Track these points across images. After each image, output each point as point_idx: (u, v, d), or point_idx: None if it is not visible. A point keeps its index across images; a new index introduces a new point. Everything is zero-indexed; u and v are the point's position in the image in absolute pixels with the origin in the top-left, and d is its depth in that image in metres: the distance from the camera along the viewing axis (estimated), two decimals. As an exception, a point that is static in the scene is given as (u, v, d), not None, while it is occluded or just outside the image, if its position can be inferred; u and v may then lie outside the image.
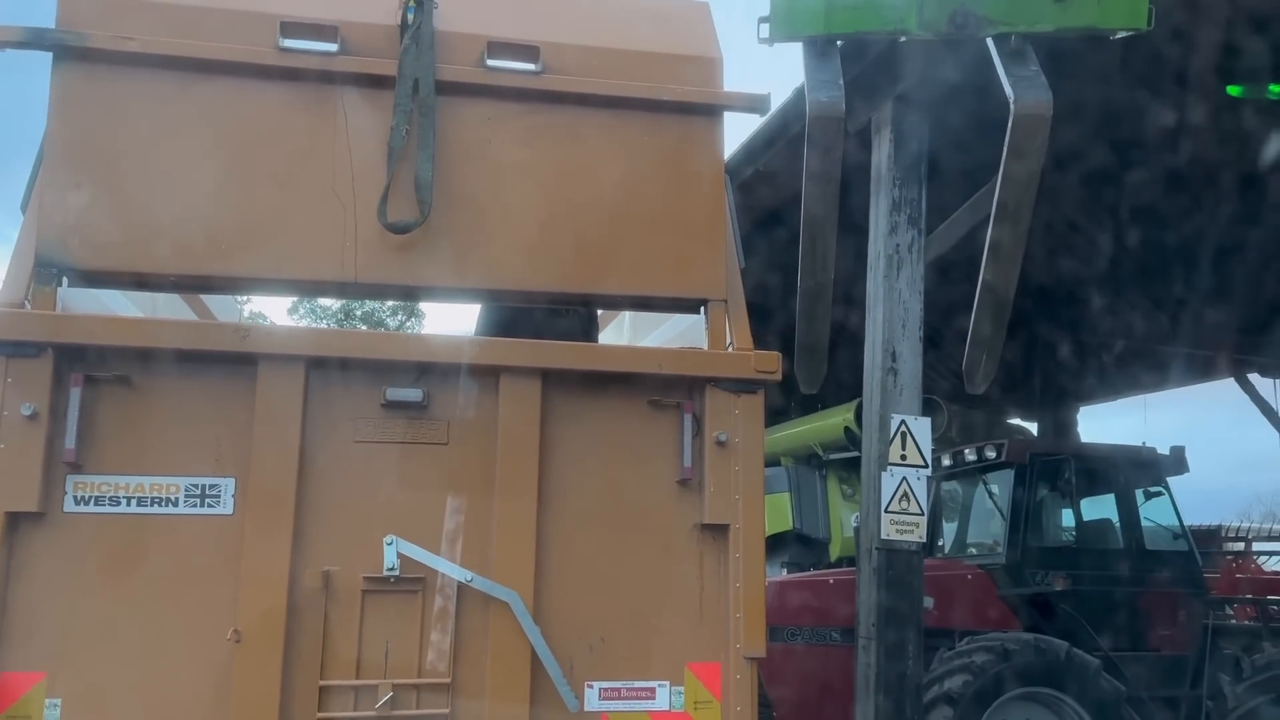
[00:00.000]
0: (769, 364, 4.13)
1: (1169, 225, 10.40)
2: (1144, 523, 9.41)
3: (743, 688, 3.95)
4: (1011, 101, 5.37)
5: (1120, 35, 5.58)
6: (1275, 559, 11.72)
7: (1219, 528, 12.62)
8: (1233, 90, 7.62)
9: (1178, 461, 9.67)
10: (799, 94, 7.76)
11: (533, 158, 4.15)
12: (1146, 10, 5.38)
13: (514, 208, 4.10)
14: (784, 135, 8.42)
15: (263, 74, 3.95)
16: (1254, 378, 14.41)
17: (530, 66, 4.17)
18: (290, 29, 3.96)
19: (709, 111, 4.38)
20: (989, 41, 5.66)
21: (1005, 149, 5.43)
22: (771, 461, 11.87)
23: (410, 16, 3.98)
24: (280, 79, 3.97)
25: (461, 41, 4.12)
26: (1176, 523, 9.54)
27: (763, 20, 5.64)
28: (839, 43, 5.91)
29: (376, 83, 4.01)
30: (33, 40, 3.78)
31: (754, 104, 4.53)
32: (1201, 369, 14.78)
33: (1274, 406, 14.11)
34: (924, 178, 7.42)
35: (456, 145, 4.07)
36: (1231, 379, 14.60)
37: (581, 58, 4.25)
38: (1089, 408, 16.79)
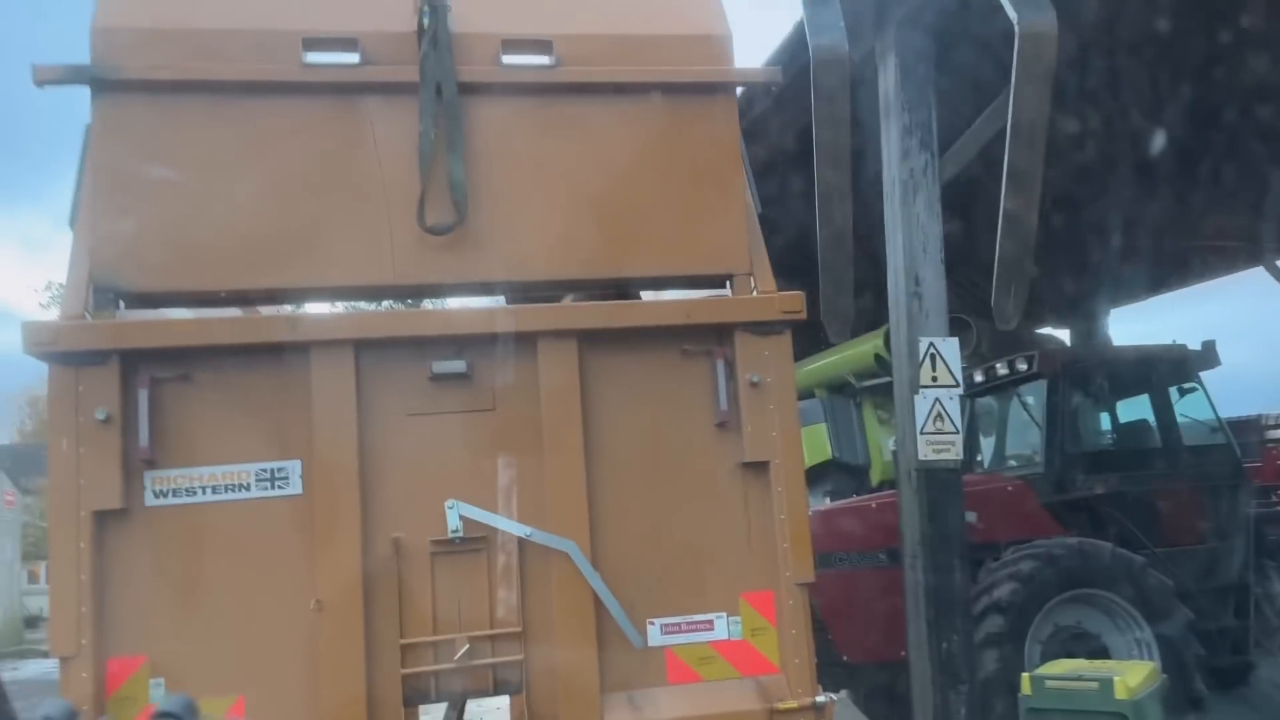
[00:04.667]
0: (793, 304, 4.28)
1: (1187, 116, 10.28)
2: (1180, 419, 9.49)
3: (796, 613, 4.16)
4: (1015, 23, 5.35)
5: None
6: (1316, 443, 11.73)
7: (1259, 417, 12.65)
8: None
9: (1209, 356, 9.72)
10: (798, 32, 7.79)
11: (554, 149, 4.27)
12: None
13: (540, 200, 4.23)
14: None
15: (290, 90, 4.09)
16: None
17: (545, 60, 4.27)
18: (313, 43, 4.09)
19: (722, 89, 4.47)
20: None
21: (1014, 72, 5.43)
22: (805, 394, 12.03)
23: (426, 21, 4.09)
24: (307, 93, 4.11)
25: (477, 41, 4.23)
26: (1213, 416, 9.61)
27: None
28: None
29: (400, 89, 4.12)
30: (71, 77, 3.94)
31: (768, 77, 4.62)
32: (1229, 260, 14.67)
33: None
34: (933, 101, 7.46)
35: (480, 143, 4.19)
36: (1260, 267, 14.49)
37: (594, 47, 4.34)
38: (1120, 310, 16.76)
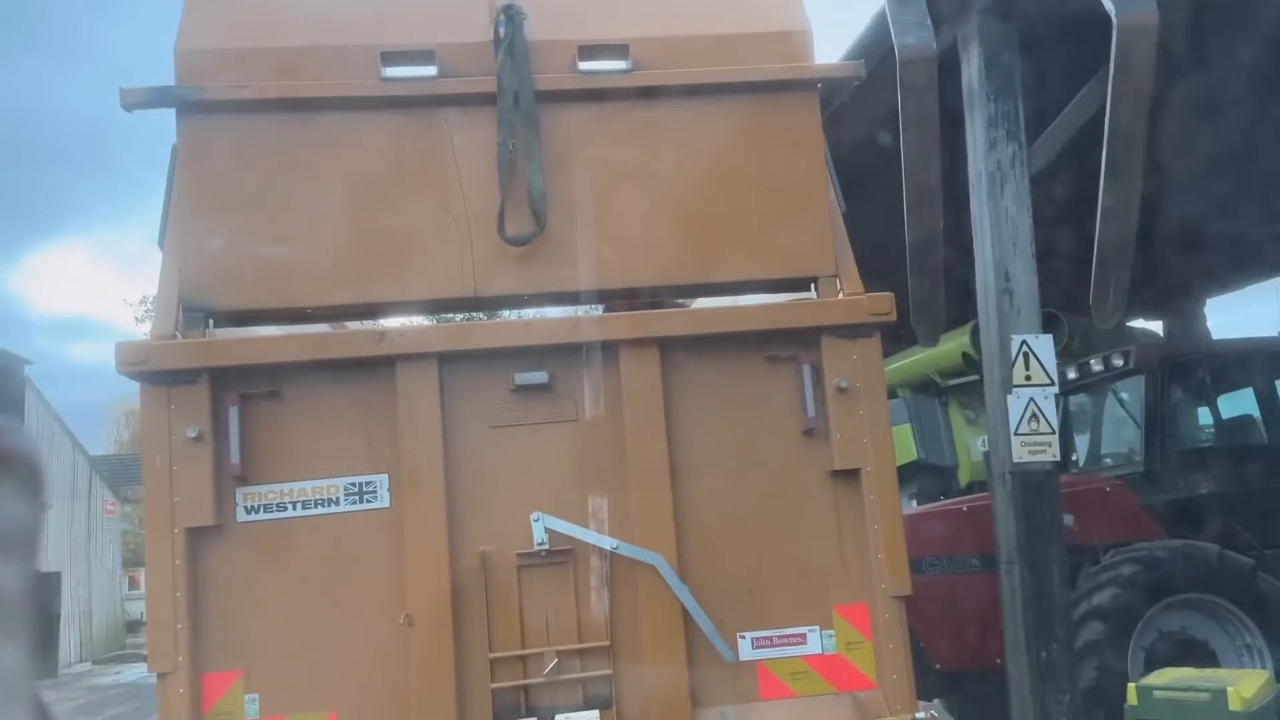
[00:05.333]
0: (882, 306, 4.15)
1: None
2: (1287, 414, 9.06)
3: (892, 626, 4.03)
4: (1113, 15, 5.11)
5: None
6: None
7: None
8: None
9: (1317, 347, 9.27)
10: (875, 26, 7.62)
11: (634, 154, 4.24)
12: None
13: (620, 206, 4.20)
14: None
15: (370, 105, 4.13)
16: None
17: (621, 65, 4.24)
18: (391, 58, 4.12)
19: (803, 87, 4.38)
20: None
21: (1111, 66, 5.19)
22: (889, 393, 11.81)
23: (501, 30, 4.07)
24: (387, 107, 4.14)
25: (552, 49, 4.21)
26: (1323, 409, 9.16)
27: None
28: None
29: (478, 100, 4.13)
30: (157, 100, 4.02)
31: (851, 72, 4.50)
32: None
33: None
34: (1019, 89, 7.21)
35: (559, 151, 4.18)
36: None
37: (671, 49, 4.29)
38: (1216, 299, 16.11)
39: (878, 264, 6.10)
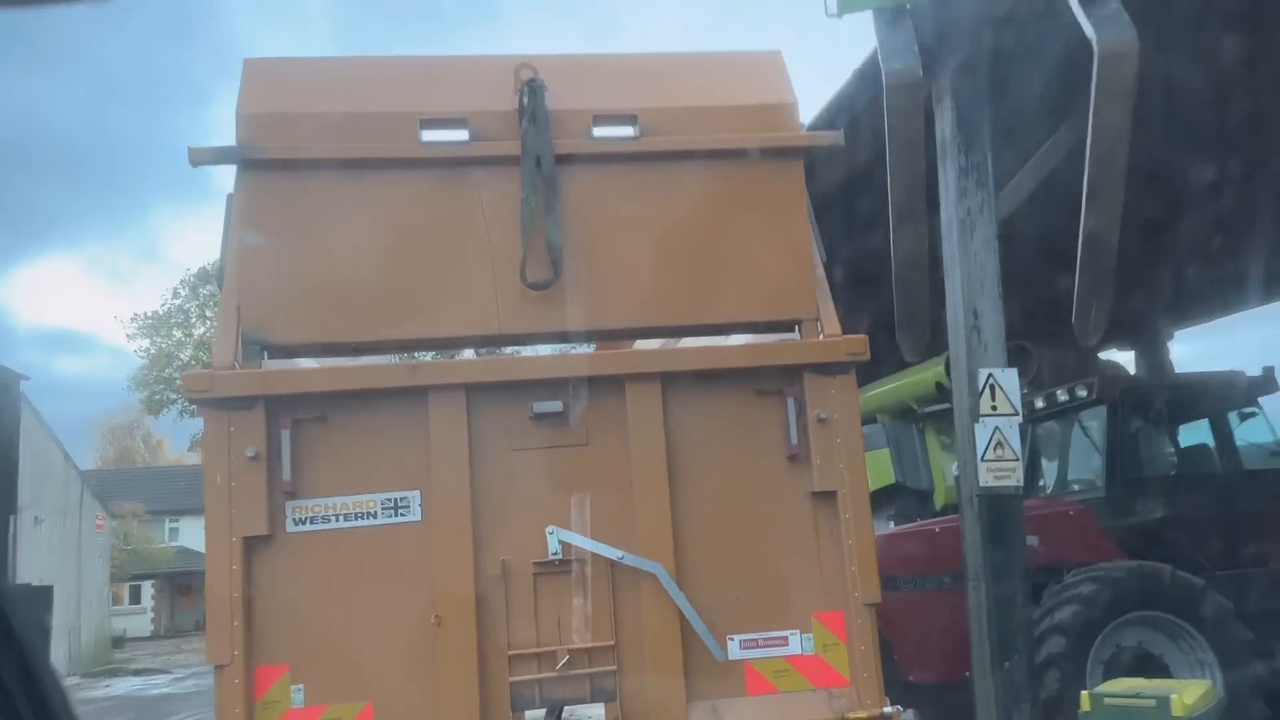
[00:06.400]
0: (858, 346, 4.70)
1: (1249, 141, 10.27)
2: (1240, 444, 9.63)
3: (864, 631, 4.56)
4: (1094, 41, 5.31)
5: None
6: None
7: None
8: None
9: (1268, 381, 9.85)
10: (856, 77, 8.18)
11: (640, 210, 4.80)
12: None
13: (628, 256, 4.75)
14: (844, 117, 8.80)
15: (409, 165, 4.68)
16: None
17: (630, 131, 4.81)
18: (428, 123, 4.67)
19: (790, 153, 4.96)
20: None
21: (1093, 92, 5.34)
22: (868, 419, 12.33)
23: (525, 100, 4.62)
24: (424, 167, 4.70)
25: (571, 117, 4.77)
26: (1273, 440, 9.74)
27: (830, -6, 5.80)
28: (909, 5, 5.99)
29: (504, 161, 4.68)
30: (221, 158, 4.56)
31: (832, 141, 5.07)
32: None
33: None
34: (988, 142, 7.80)
35: (574, 207, 4.73)
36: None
37: (674, 118, 4.87)
38: (1184, 331, 16.71)
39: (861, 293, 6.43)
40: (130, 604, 41.43)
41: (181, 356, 34.17)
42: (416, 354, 5.05)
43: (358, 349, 4.71)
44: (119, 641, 34.77)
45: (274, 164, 4.57)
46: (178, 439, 43.47)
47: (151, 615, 42.67)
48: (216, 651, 4.22)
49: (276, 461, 4.36)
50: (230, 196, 4.72)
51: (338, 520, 4.42)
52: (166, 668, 27.66)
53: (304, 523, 4.40)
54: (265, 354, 4.54)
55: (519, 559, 4.47)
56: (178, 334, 35.07)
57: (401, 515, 4.44)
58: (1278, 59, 8.58)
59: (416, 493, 4.45)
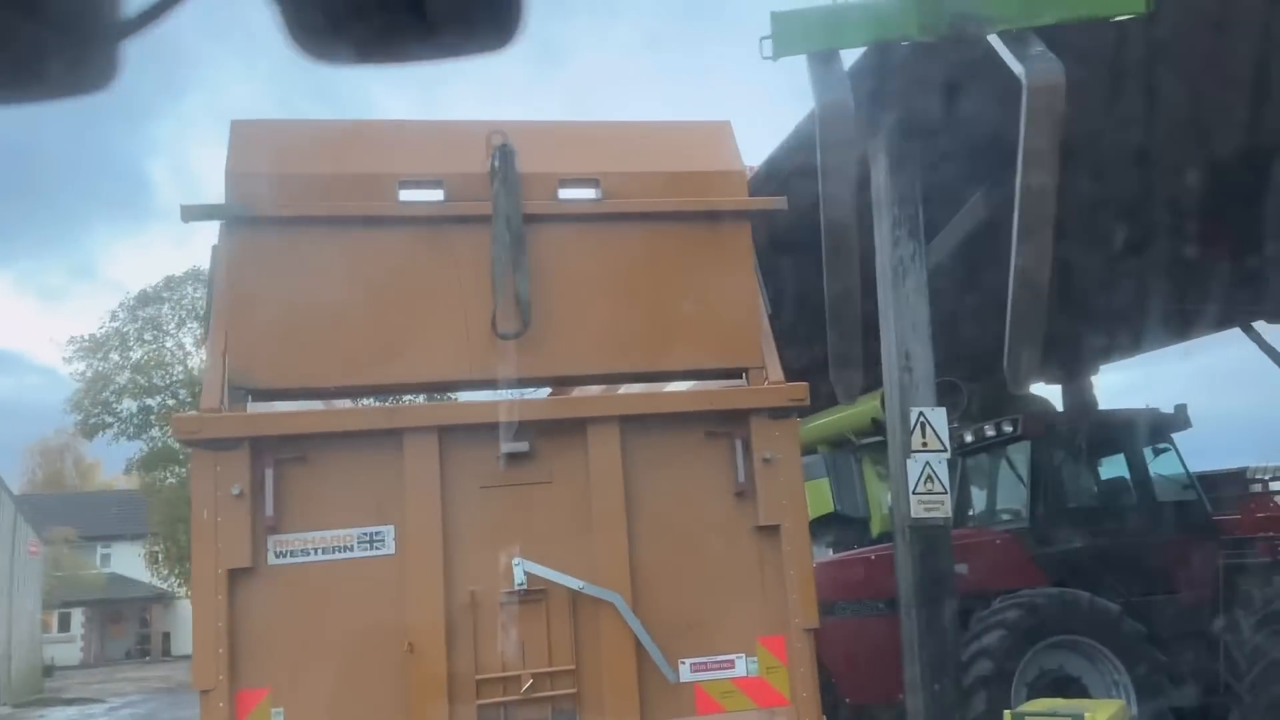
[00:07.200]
0: (799, 393, 5.14)
1: (1169, 185, 10.67)
2: (1154, 477, 10.24)
3: (803, 654, 4.97)
4: (1023, 77, 5.50)
5: (1119, 19, 5.58)
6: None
7: (1244, 470, 13.21)
8: None
9: (1181, 419, 10.48)
10: (794, 133, 8.66)
11: (601, 267, 5.22)
12: None
13: (591, 308, 5.16)
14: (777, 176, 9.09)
15: (388, 222, 5.04)
16: (1260, 325, 15.01)
17: (593, 194, 5.22)
18: (406, 184, 5.03)
19: (737, 216, 5.41)
20: (991, 38, 5.83)
21: (1023, 127, 5.45)
22: (808, 450, 12.78)
23: (497, 164, 5.01)
24: (402, 225, 5.06)
25: (538, 180, 5.16)
26: (1184, 474, 10.38)
27: (764, 39, 6.02)
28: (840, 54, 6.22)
29: (476, 220, 5.05)
30: (212, 214, 4.87)
31: (776, 205, 5.52)
32: (1211, 321, 15.32)
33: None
34: (919, 196, 8.34)
35: (541, 262, 5.11)
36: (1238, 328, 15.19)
37: (633, 182, 5.30)
38: (1110, 366, 17.43)
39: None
40: (60, 631, 40.50)
41: (118, 380, 33.60)
42: (392, 397, 5.36)
43: (338, 393, 5.03)
44: (49, 670, 33.94)
45: (261, 220, 4.89)
46: (110, 463, 42.60)
47: (81, 644, 41.72)
48: (202, 676, 4.49)
49: (260, 498, 4.64)
50: (215, 248, 5.03)
51: (317, 553, 4.72)
52: (100, 696, 27.12)
53: (285, 555, 4.69)
54: (250, 397, 4.84)
55: (487, 589, 4.80)
56: (115, 357, 34.50)
57: (376, 548, 4.75)
58: (1191, 109, 9.11)
59: (391, 527, 4.77)
